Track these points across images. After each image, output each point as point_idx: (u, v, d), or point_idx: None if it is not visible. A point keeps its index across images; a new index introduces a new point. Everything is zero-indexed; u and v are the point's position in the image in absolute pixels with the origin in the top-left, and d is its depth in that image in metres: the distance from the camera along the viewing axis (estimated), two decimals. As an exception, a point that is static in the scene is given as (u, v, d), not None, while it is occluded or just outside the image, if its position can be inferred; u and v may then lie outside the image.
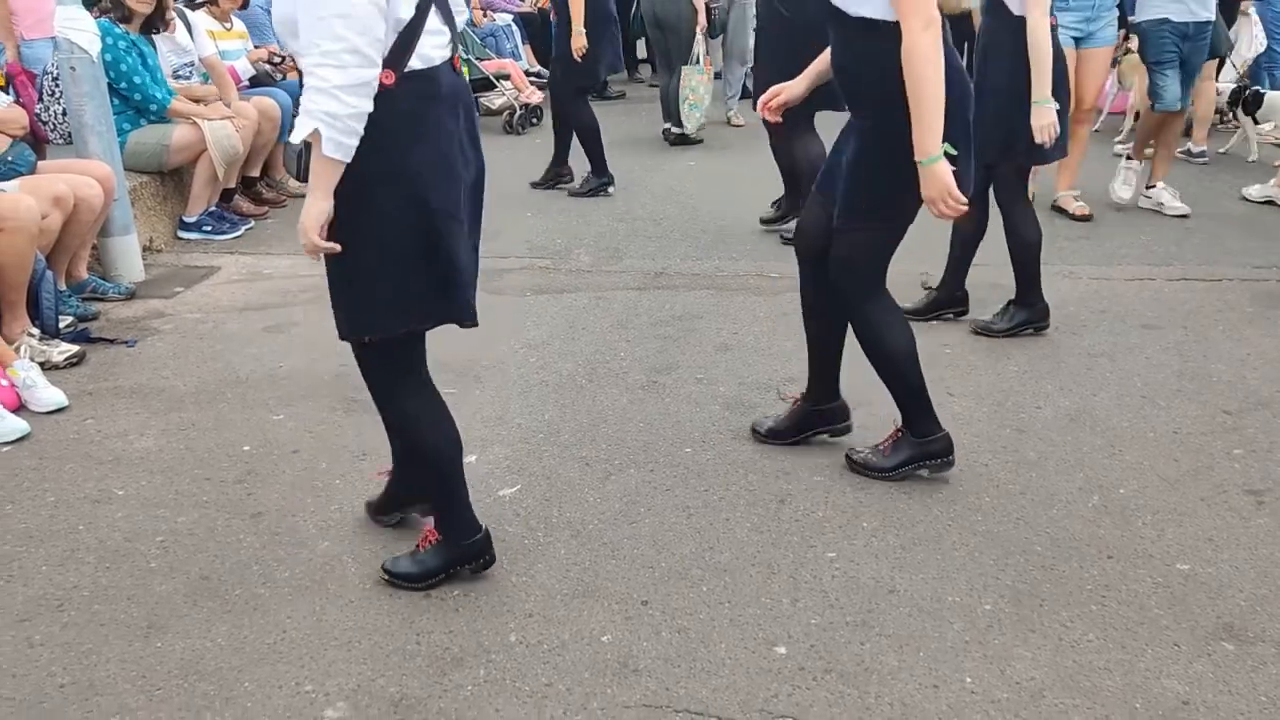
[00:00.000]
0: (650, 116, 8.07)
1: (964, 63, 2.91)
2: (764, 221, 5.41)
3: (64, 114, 4.79)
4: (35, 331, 3.88)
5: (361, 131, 2.04)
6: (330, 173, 2.08)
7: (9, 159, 4.21)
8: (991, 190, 3.94)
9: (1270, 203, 5.91)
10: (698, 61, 7.20)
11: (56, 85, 4.96)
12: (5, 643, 2.37)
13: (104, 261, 4.73)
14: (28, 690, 2.22)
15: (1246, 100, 6.65)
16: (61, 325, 4.05)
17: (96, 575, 2.62)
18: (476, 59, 8.09)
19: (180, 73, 5.58)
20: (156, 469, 3.13)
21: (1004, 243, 4.00)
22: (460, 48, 2.38)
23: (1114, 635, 2.36)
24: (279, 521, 2.84)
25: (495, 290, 4.48)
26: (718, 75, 8.50)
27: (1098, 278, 4.70)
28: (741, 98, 8.20)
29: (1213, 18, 5.42)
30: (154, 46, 5.27)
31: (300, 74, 2.18)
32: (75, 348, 3.88)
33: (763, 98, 3.09)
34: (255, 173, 5.94)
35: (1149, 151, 5.85)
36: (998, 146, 3.78)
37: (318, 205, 2.10)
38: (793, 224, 5.11)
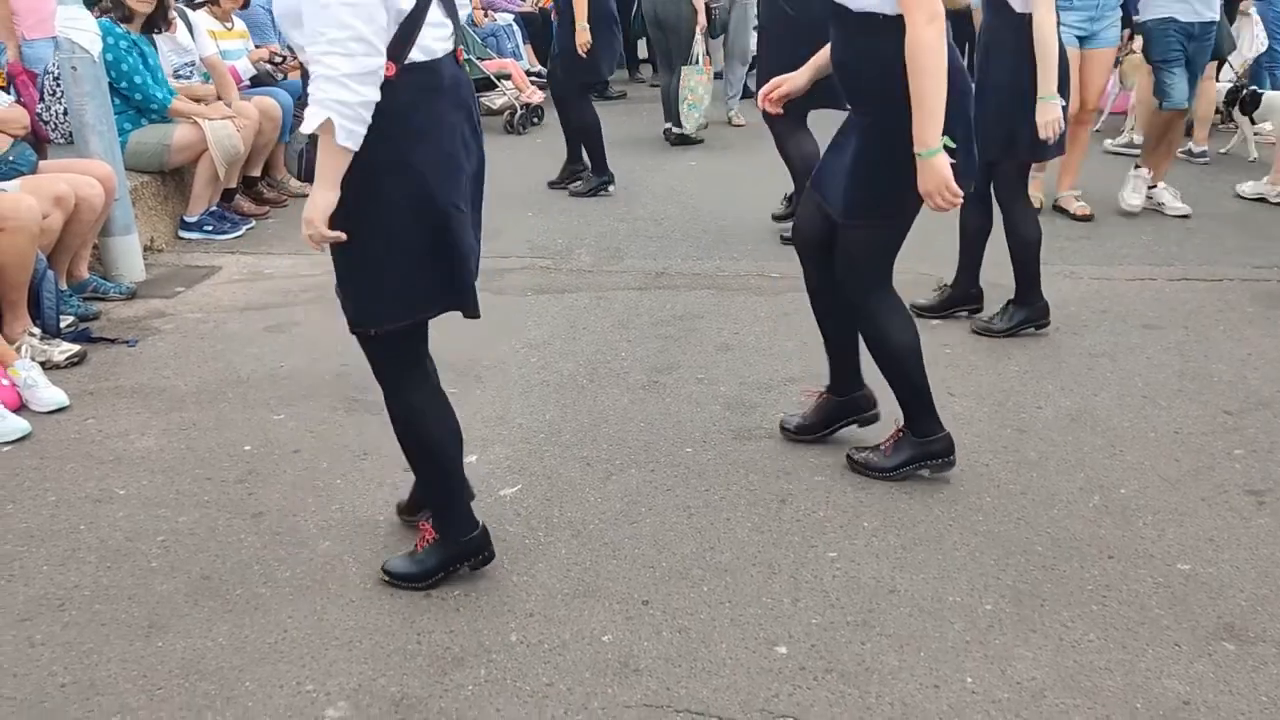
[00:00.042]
0: (651, 116, 8.07)
1: (965, 63, 2.91)
2: (776, 219, 5.41)
3: (65, 114, 4.79)
4: (36, 331, 3.89)
5: (369, 119, 2.05)
6: (338, 163, 2.08)
7: (10, 159, 4.21)
8: (991, 188, 3.94)
9: (1262, 200, 5.95)
10: (697, 61, 7.20)
11: (58, 85, 4.96)
12: (6, 642, 2.37)
13: (105, 261, 4.73)
14: (29, 689, 2.23)
15: (1244, 101, 6.66)
16: (62, 325, 4.05)
17: (98, 575, 2.62)
18: (478, 59, 8.09)
19: (181, 72, 5.58)
20: (157, 468, 3.13)
21: (1004, 242, 4.00)
22: (463, 43, 2.38)
23: (1115, 635, 2.36)
24: (280, 521, 2.85)
25: (496, 290, 4.48)
26: (719, 75, 8.51)
27: (1099, 278, 4.70)
28: (743, 97, 8.21)
29: (1217, 18, 5.41)
30: (155, 46, 5.27)
31: (303, 72, 2.17)
32: (76, 347, 3.88)
33: (764, 89, 3.09)
34: (256, 172, 5.94)
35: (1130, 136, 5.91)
36: (1000, 144, 3.78)
37: (325, 196, 2.10)
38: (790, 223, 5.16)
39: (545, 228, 5.55)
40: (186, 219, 5.45)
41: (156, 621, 2.44)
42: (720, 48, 8.24)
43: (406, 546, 2.67)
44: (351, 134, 2.03)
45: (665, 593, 2.52)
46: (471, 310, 2.34)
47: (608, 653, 2.32)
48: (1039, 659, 2.28)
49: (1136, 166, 5.80)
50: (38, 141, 4.59)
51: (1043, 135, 3.71)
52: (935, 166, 2.60)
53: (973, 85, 2.82)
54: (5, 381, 3.48)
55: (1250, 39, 7.20)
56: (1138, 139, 7.16)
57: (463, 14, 2.33)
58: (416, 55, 2.12)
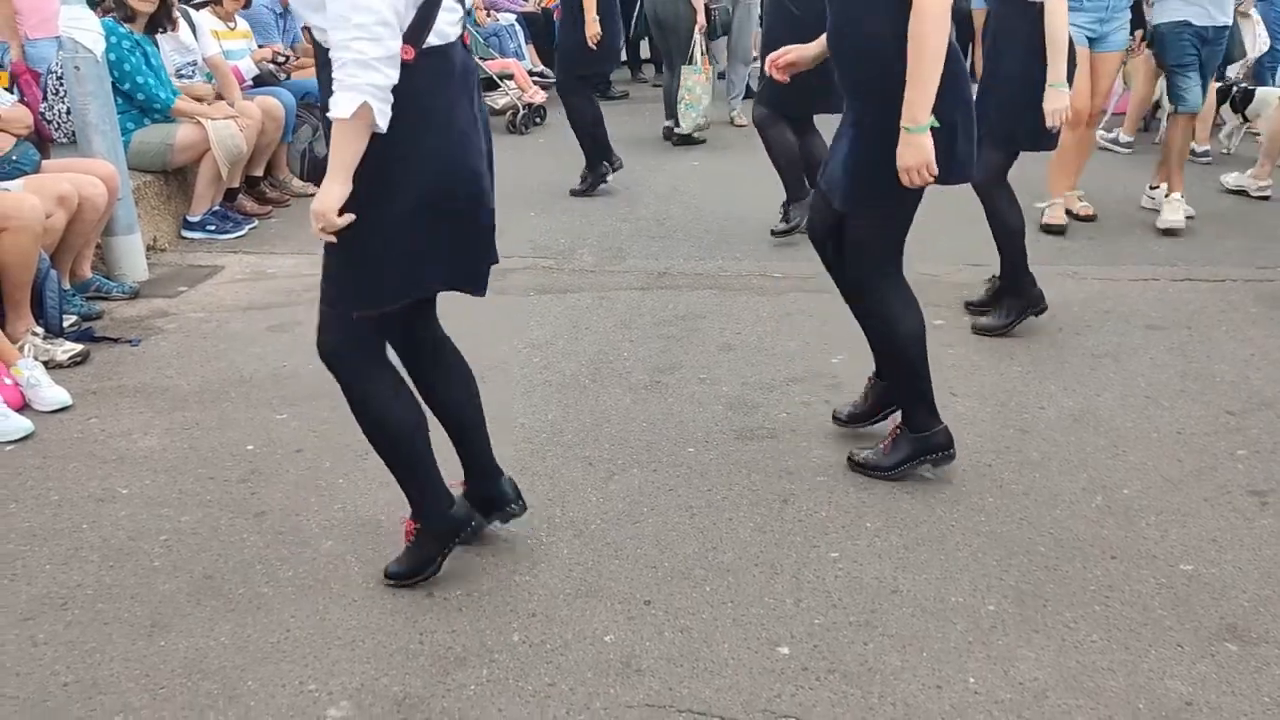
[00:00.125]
0: (653, 116, 8.07)
1: (967, 63, 2.91)
2: (776, 234, 5.42)
3: (68, 113, 4.79)
4: (39, 330, 3.89)
5: (392, 99, 2.06)
6: (354, 153, 2.08)
7: (14, 158, 4.22)
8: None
9: (1243, 192, 6.00)
10: (695, 61, 7.19)
11: (61, 84, 4.96)
12: (9, 641, 2.37)
13: (108, 261, 4.73)
14: (31, 689, 2.23)
15: (1234, 99, 6.75)
16: (65, 324, 4.05)
17: (100, 574, 2.62)
18: (480, 59, 8.09)
19: (183, 72, 5.59)
20: (160, 468, 3.13)
21: (983, 244, 4.00)
22: (469, 26, 2.39)
23: (1117, 636, 2.36)
24: (282, 521, 2.85)
25: (498, 290, 4.47)
26: (720, 75, 8.50)
27: (1101, 278, 4.69)
28: (745, 97, 8.20)
29: (1230, 22, 5.36)
30: (157, 46, 5.28)
31: (318, 55, 2.17)
32: (79, 347, 3.89)
33: (771, 55, 3.09)
34: (259, 172, 5.94)
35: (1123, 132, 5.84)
36: (1002, 134, 3.79)
37: (339, 188, 2.10)
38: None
39: (547, 227, 5.55)
40: (189, 218, 5.45)
41: (159, 621, 2.44)
42: (723, 48, 8.24)
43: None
44: (384, 115, 2.06)
45: (667, 593, 2.52)
46: (479, 288, 2.36)
47: (610, 653, 2.32)
48: (1041, 659, 2.28)
49: (1153, 187, 5.78)
50: (41, 141, 4.59)
51: (1050, 124, 3.72)
52: (920, 143, 2.59)
53: (968, 78, 2.81)
54: (8, 381, 3.49)
55: (1252, 39, 7.21)
56: (1125, 138, 7.19)
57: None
58: (433, 39, 2.14)
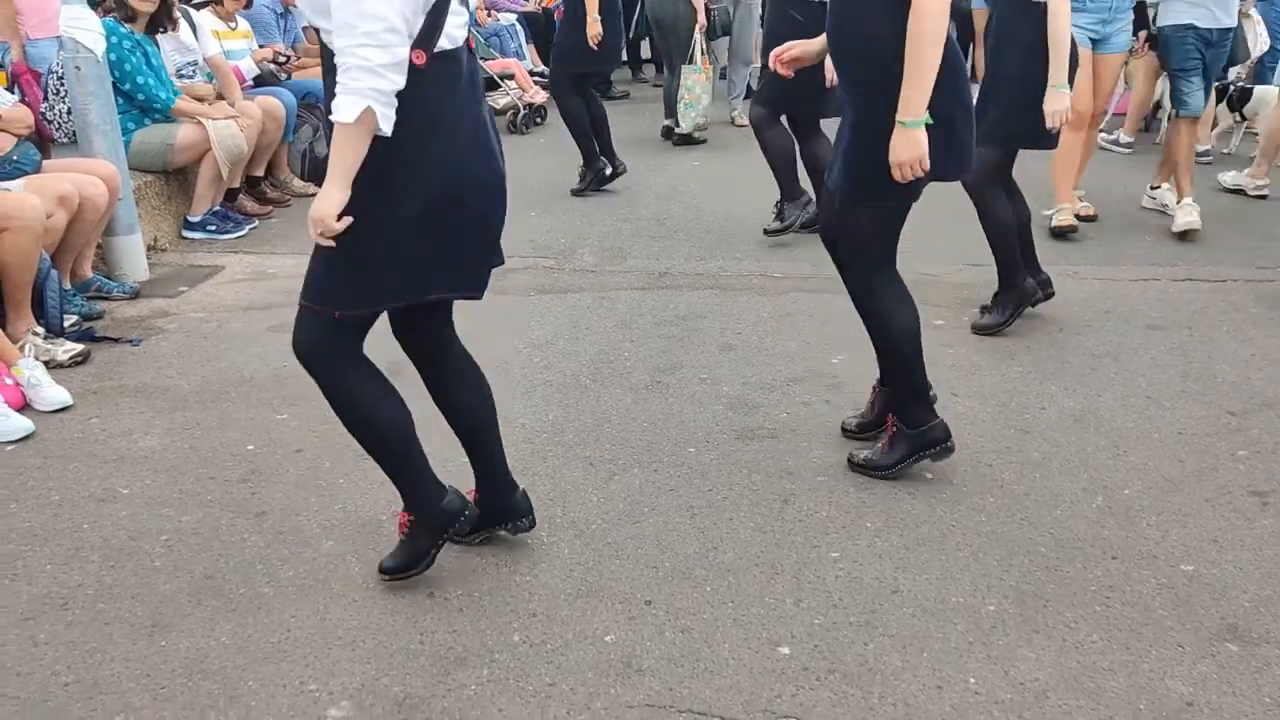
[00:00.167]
0: (654, 116, 8.07)
1: (968, 64, 2.92)
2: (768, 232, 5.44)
3: (69, 113, 4.79)
4: (40, 330, 3.89)
5: (396, 104, 2.06)
6: (355, 158, 2.08)
7: (14, 158, 4.22)
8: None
9: (1241, 191, 6.00)
10: (695, 61, 7.19)
11: (61, 84, 4.96)
12: (10, 641, 2.37)
13: (109, 261, 4.73)
14: (32, 689, 2.23)
15: (1231, 99, 6.75)
16: (66, 324, 4.05)
17: (101, 574, 2.62)
18: (481, 58, 8.09)
19: (184, 72, 5.59)
20: (161, 468, 3.13)
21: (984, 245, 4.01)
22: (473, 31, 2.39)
23: (1118, 636, 2.35)
24: (283, 521, 2.85)
25: (499, 290, 4.47)
26: (722, 76, 8.50)
27: (1102, 278, 4.69)
28: (745, 98, 8.20)
29: (1235, 24, 5.34)
30: (158, 46, 5.28)
31: (325, 56, 2.17)
32: (80, 347, 3.89)
33: (775, 51, 3.09)
34: (259, 172, 5.94)
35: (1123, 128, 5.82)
36: (1002, 134, 3.80)
37: (339, 193, 2.10)
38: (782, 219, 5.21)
39: (548, 228, 5.55)
40: (190, 218, 5.45)
41: (160, 621, 2.44)
42: (724, 48, 8.24)
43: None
44: (388, 119, 2.06)
45: (668, 593, 2.52)
46: (479, 293, 2.37)
47: (610, 653, 2.32)
48: (1042, 660, 2.28)
49: (1153, 188, 5.77)
50: (42, 141, 4.59)
51: (1050, 124, 3.73)
52: (916, 139, 2.59)
53: (968, 78, 2.82)
54: (9, 381, 3.49)
55: (1253, 39, 7.21)
56: (1125, 138, 7.19)
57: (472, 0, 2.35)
58: (443, 44, 2.14)
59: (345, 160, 2.09)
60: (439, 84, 2.15)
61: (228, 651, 2.33)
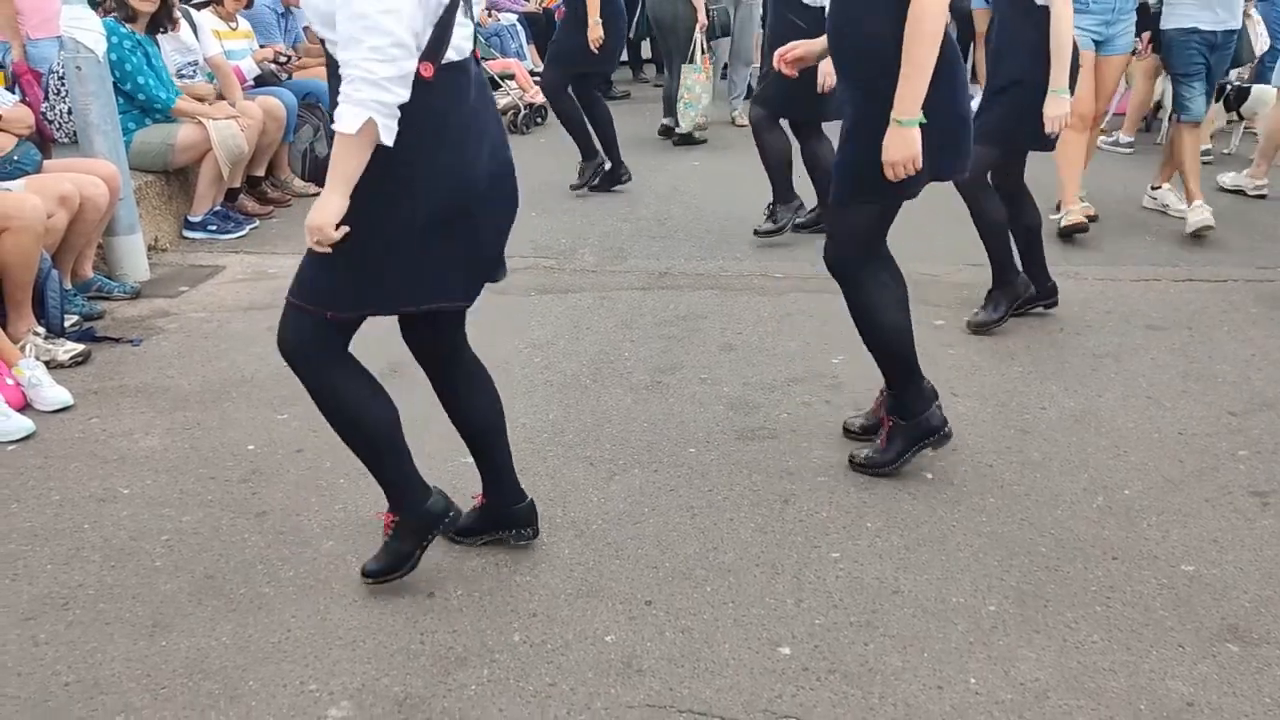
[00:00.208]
0: (654, 117, 8.07)
1: (969, 65, 2.92)
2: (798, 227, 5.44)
3: (70, 113, 4.80)
4: (41, 330, 3.89)
5: (399, 115, 2.06)
6: (356, 167, 2.08)
7: (15, 158, 4.22)
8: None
9: (1240, 191, 5.99)
10: (695, 60, 7.19)
11: (62, 84, 4.96)
12: (10, 641, 2.37)
13: (109, 261, 4.73)
14: (33, 688, 2.23)
15: (1227, 98, 6.76)
16: (67, 324, 4.05)
17: (101, 574, 2.62)
18: (481, 59, 8.09)
19: (184, 72, 5.59)
20: (161, 468, 3.13)
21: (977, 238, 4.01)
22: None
23: (1119, 636, 2.36)
24: (283, 521, 2.85)
25: (499, 290, 4.44)
26: (723, 76, 8.49)
27: (1103, 278, 4.69)
28: (746, 98, 8.20)
29: (1240, 26, 5.28)
30: (158, 46, 5.28)
31: (329, 65, 2.17)
32: (80, 347, 3.89)
33: (779, 51, 3.10)
34: (260, 172, 5.94)
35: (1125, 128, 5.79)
36: (1000, 136, 3.82)
37: (338, 202, 2.10)
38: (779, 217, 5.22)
39: (549, 227, 5.55)
40: (190, 218, 5.45)
41: (160, 621, 2.44)
42: (724, 47, 8.24)
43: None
44: (390, 131, 2.06)
45: (668, 593, 2.52)
46: (468, 301, 2.37)
47: (611, 653, 2.32)
48: (1042, 660, 2.28)
49: (1154, 188, 5.76)
50: (42, 141, 4.59)
51: (1049, 129, 3.73)
52: (909, 137, 2.61)
53: (967, 81, 2.84)
54: (10, 381, 3.49)
55: (1254, 39, 7.21)
56: (1125, 138, 7.19)
57: (477, 9, 2.36)
58: (451, 55, 2.15)
59: (346, 170, 2.08)
60: (447, 95, 2.15)
61: (228, 651, 2.33)
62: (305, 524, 2.83)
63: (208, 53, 5.70)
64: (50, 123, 5.06)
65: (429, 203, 2.18)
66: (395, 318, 2.41)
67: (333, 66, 2.14)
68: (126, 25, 5.03)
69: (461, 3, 2.17)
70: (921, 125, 2.61)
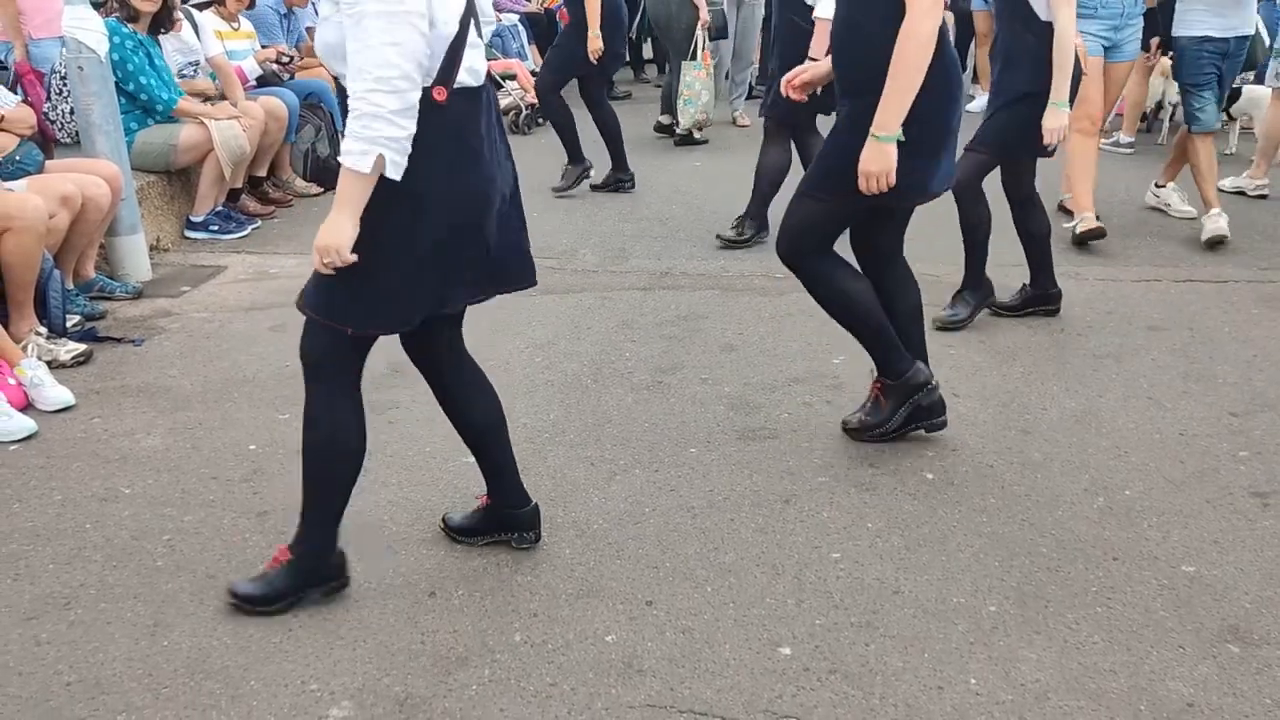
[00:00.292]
0: (655, 117, 8.07)
1: (970, 66, 2.95)
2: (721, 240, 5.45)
3: (72, 113, 4.80)
4: (43, 330, 3.89)
5: (409, 150, 2.08)
6: (364, 194, 2.09)
7: (17, 158, 4.22)
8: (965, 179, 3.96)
9: (1241, 193, 5.96)
10: (696, 58, 7.19)
11: (64, 84, 4.97)
12: (12, 641, 2.38)
13: (111, 261, 4.74)
14: (34, 688, 2.23)
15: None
16: (69, 324, 4.06)
17: (103, 574, 2.62)
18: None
19: (184, 72, 5.60)
20: (163, 468, 3.14)
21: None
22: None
23: (1119, 637, 2.36)
24: (285, 520, 2.84)
25: (501, 290, 4.48)
26: (725, 76, 8.49)
27: (1104, 279, 4.69)
28: (747, 98, 8.20)
29: (1253, 31, 5.16)
30: (160, 46, 5.29)
31: (341, 95, 2.19)
32: (82, 347, 3.89)
33: (786, 77, 3.16)
34: (262, 172, 5.95)
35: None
36: (998, 143, 3.84)
37: (349, 227, 2.10)
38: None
39: (550, 228, 5.54)
40: (192, 219, 5.46)
41: (162, 620, 2.44)
42: (724, 48, 8.24)
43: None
44: (399, 166, 2.07)
45: (669, 593, 2.53)
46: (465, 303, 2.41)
47: (611, 653, 2.32)
48: (1043, 661, 2.28)
49: (1159, 185, 5.75)
50: (44, 141, 4.60)
51: (1046, 141, 3.74)
52: (886, 152, 2.69)
53: (963, 89, 2.91)
54: (12, 380, 3.49)
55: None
56: (1125, 139, 7.19)
57: (488, 31, 2.39)
58: (465, 79, 2.17)
59: (355, 196, 2.09)
60: (460, 118, 2.18)
61: (229, 651, 2.34)
62: (306, 524, 2.83)
63: (209, 53, 5.71)
64: (52, 123, 5.07)
65: (446, 224, 2.20)
66: None
67: (343, 94, 2.16)
68: (128, 25, 5.03)
69: (472, 26, 2.19)
70: (899, 143, 2.67)
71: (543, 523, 2.73)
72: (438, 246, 2.21)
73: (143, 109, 5.17)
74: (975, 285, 4.12)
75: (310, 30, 6.99)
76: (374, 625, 2.42)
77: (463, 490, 2.92)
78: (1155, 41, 5.76)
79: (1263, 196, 5.99)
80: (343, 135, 2.09)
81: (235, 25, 6.13)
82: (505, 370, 3.75)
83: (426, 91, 2.10)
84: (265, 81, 6.19)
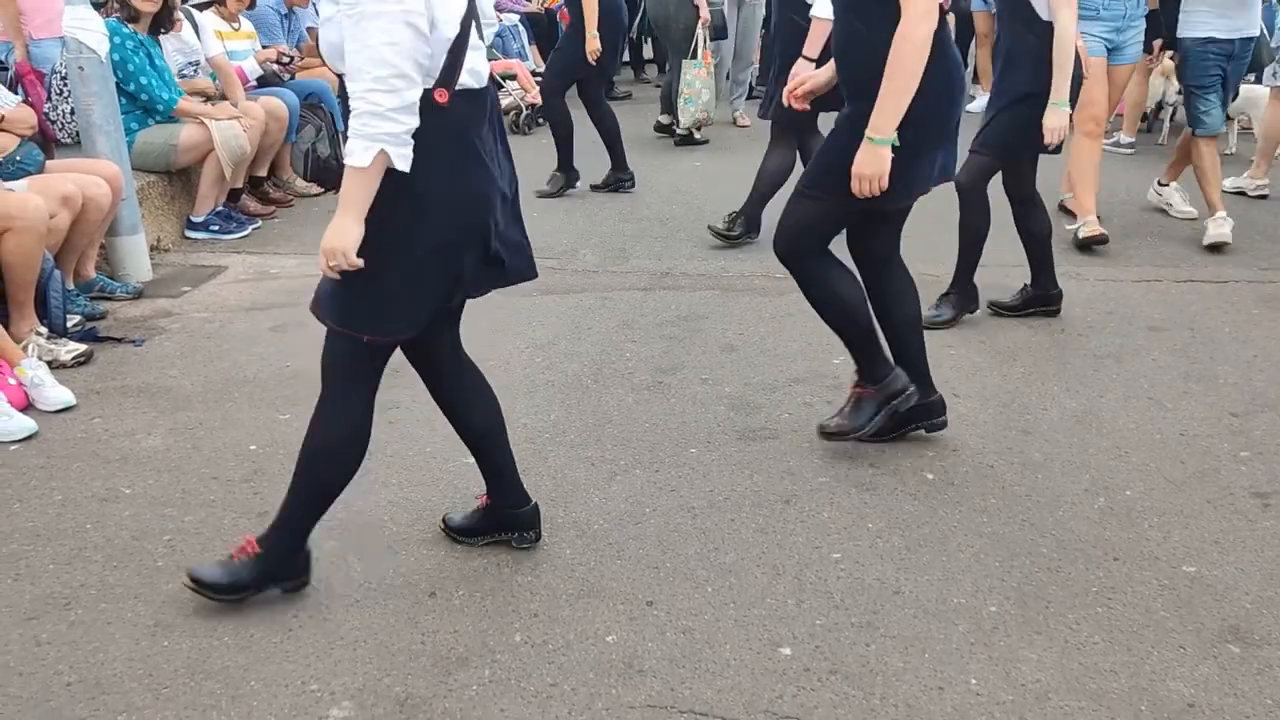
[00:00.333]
0: (655, 117, 8.07)
1: (970, 67, 2.97)
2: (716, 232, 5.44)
3: (72, 113, 4.80)
4: (43, 330, 3.89)
5: (412, 142, 2.09)
6: (369, 195, 2.10)
7: (18, 158, 4.22)
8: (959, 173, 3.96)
9: (1241, 193, 5.96)
10: (697, 56, 7.19)
11: (65, 85, 4.97)
12: (13, 641, 2.38)
13: (112, 261, 4.74)
14: (35, 688, 2.23)
15: None
16: (69, 324, 4.06)
17: (104, 574, 2.62)
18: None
19: (184, 72, 5.60)
20: (164, 468, 3.14)
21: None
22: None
23: (1120, 638, 2.36)
24: (285, 521, 2.85)
25: (501, 290, 4.48)
26: (727, 77, 8.49)
27: (1104, 279, 4.69)
28: (748, 98, 8.20)
29: (1258, 33, 5.10)
30: (161, 46, 5.29)
31: (343, 93, 2.20)
32: (83, 347, 3.89)
33: (788, 86, 3.18)
34: (262, 172, 5.95)
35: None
36: (1000, 145, 3.84)
37: (355, 229, 2.11)
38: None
39: (550, 228, 5.54)
40: (193, 219, 5.46)
41: (162, 620, 2.44)
42: (725, 49, 8.24)
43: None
44: (405, 158, 2.09)
45: (669, 593, 2.53)
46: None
47: (612, 653, 2.32)
48: (1044, 661, 2.28)
49: (1161, 183, 5.74)
50: (45, 141, 4.60)
51: (1047, 140, 3.74)
52: (880, 155, 2.70)
53: (966, 88, 2.91)
54: (12, 381, 3.49)
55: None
56: (1125, 139, 7.18)
57: (490, 33, 2.38)
58: (467, 81, 2.18)
59: (359, 197, 2.10)
60: (462, 120, 2.19)
61: (230, 651, 2.34)
62: (307, 524, 2.83)
63: (209, 53, 5.72)
64: (53, 123, 5.07)
65: (442, 226, 2.21)
66: None
67: (345, 93, 2.17)
68: (129, 25, 5.03)
69: (474, 28, 2.20)
70: (893, 147, 2.68)
71: (543, 523, 2.73)
72: (441, 247, 2.23)
73: (143, 109, 5.17)
74: (961, 290, 4.12)
75: (311, 30, 6.99)
76: (374, 625, 2.42)
77: (463, 490, 2.92)
78: (1157, 43, 5.74)
79: (1263, 196, 5.99)
80: (343, 135, 2.10)
81: (236, 25, 6.13)
82: (505, 370, 3.75)
83: (428, 93, 2.11)
84: (266, 82, 6.19)
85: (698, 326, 4.20)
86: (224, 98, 5.66)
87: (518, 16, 9.95)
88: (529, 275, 2.47)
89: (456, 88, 2.16)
